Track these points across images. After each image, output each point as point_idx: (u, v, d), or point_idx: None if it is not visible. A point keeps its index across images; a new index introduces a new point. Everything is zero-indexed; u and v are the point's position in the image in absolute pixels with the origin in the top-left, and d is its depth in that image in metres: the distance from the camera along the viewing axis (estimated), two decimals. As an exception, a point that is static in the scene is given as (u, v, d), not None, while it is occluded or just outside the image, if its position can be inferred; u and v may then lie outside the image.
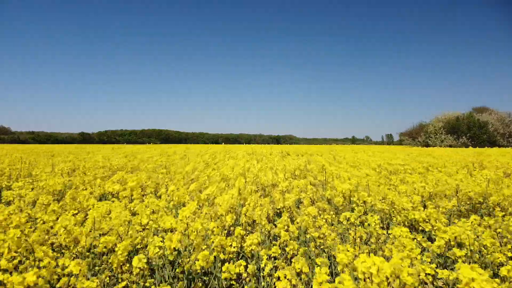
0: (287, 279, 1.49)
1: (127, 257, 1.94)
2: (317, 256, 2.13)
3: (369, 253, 2.00)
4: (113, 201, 2.85)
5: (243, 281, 1.99)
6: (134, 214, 2.76)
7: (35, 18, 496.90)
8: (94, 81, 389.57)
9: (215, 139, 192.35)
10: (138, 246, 2.18)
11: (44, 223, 2.42)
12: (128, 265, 1.95)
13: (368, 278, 1.15)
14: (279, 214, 3.01)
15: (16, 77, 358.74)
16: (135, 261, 1.73)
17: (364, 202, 2.71)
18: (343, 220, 2.25)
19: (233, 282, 1.91)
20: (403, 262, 1.54)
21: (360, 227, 2.22)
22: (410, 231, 1.95)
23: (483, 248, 1.98)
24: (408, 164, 6.66)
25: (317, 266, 1.48)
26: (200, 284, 1.95)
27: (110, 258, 1.94)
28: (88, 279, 1.72)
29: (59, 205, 2.83)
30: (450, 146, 43.45)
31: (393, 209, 2.77)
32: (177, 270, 1.99)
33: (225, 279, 1.74)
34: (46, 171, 4.98)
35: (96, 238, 2.16)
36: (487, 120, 47.50)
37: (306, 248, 2.15)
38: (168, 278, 1.96)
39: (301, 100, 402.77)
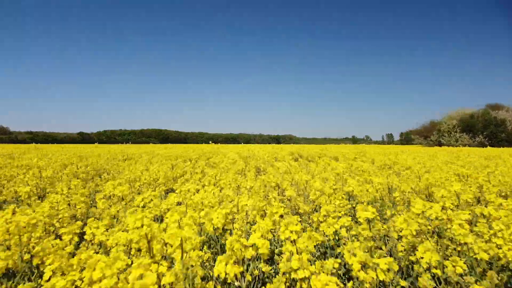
0: None
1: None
2: None
3: None
4: None
5: None
6: None
7: (34, 18, 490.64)
8: (94, 81, 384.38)
9: (215, 139, 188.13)
10: None
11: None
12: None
13: None
14: None
15: (15, 77, 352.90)
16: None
17: None
18: None
19: None
20: None
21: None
22: None
23: None
24: None
25: None
26: None
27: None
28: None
29: None
30: (467, 145, 39.49)
31: None
32: None
33: None
34: None
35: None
36: (505, 118, 43.82)
37: None
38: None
39: (301, 100, 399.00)
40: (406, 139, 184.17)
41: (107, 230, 1.66)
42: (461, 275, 1.39)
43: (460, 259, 1.39)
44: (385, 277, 1.14)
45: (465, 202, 2.48)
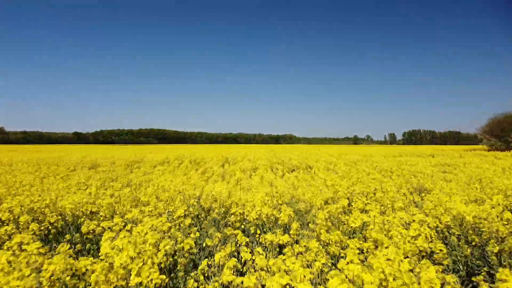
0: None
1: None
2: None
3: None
4: None
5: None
6: None
7: (29, 17, 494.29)
8: (90, 80, 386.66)
9: (214, 138, 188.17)
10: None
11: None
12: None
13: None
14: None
15: (12, 76, 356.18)
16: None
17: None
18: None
19: None
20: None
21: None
22: None
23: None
24: None
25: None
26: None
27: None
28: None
29: None
30: None
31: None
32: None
33: None
34: None
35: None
36: None
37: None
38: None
39: (301, 99, 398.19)
40: (409, 139, 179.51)
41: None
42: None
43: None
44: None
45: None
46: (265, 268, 2.06)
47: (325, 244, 2.72)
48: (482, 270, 2.53)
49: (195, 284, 2.25)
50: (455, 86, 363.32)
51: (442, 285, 1.75)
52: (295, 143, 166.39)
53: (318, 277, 2.08)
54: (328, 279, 1.54)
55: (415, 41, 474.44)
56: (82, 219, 3.90)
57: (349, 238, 2.98)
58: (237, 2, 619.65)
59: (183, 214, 3.62)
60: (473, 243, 3.10)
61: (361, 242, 2.51)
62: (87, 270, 2.02)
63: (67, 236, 3.34)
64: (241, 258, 2.46)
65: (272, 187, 6.11)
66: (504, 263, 2.68)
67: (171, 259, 2.51)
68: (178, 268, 2.57)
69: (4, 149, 32.94)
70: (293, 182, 7.03)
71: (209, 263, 2.43)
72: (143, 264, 1.98)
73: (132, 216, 3.52)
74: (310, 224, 3.47)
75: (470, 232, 3.24)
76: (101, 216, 3.94)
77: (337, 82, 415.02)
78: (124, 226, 3.13)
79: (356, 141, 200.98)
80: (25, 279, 1.74)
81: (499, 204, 3.77)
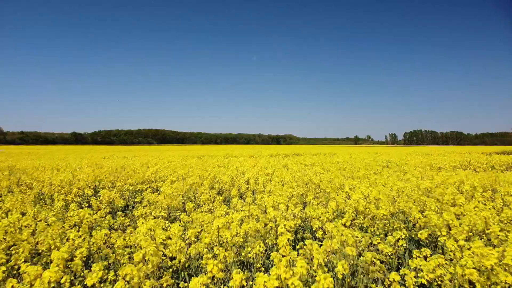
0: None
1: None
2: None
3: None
4: None
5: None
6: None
7: (26, 16, 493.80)
8: (91, 80, 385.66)
9: (214, 139, 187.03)
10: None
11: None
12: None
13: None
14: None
15: (11, 77, 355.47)
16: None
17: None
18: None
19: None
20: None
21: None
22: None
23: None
24: None
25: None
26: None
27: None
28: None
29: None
30: None
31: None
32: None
33: None
34: None
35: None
36: None
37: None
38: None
39: (301, 99, 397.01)
40: (410, 139, 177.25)
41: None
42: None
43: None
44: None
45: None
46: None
47: None
48: None
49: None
50: (456, 86, 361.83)
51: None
52: (295, 143, 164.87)
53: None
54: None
55: (415, 41, 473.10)
56: None
57: None
58: (237, 2, 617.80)
59: None
60: None
61: None
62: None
63: None
64: None
65: None
66: None
67: None
68: None
69: None
70: None
71: None
72: None
73: None
74: None
75: None
76: None
77: (337, 82, 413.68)
78: None
79: (357, 141, 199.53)
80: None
81: None
